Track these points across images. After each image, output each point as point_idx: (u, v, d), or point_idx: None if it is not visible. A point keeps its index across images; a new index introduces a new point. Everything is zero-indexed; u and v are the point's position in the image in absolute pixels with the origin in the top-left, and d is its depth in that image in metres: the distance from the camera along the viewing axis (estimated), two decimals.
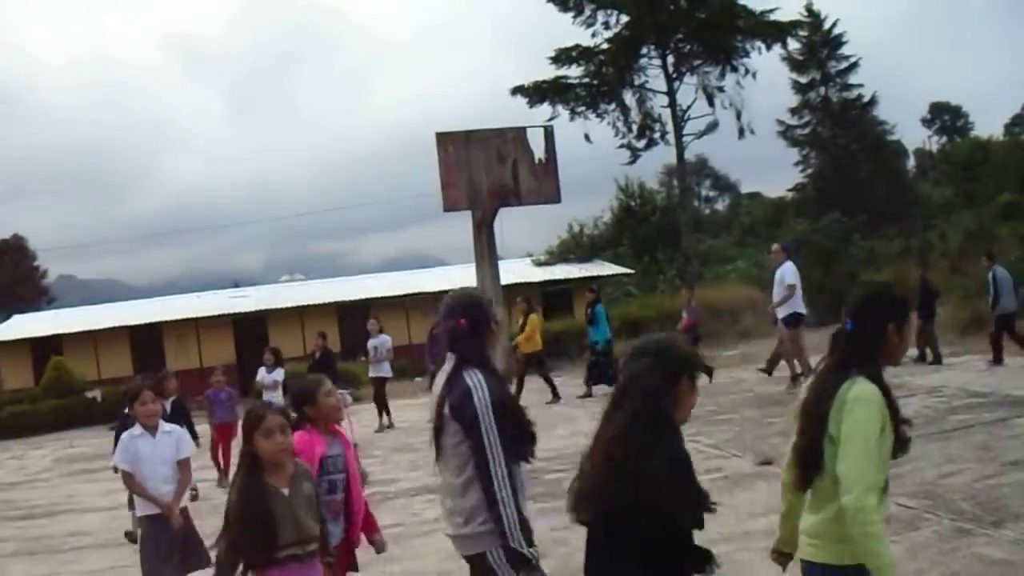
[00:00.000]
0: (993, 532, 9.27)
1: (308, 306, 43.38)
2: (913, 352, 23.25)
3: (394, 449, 17.20)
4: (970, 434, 14.10)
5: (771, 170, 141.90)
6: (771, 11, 53.46)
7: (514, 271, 42.09)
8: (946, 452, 12.88)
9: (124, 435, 8.88)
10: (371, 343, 24.38)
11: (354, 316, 40.50)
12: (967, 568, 8.38)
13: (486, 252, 30.21)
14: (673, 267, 53.30)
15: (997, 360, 21.91)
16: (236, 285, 67.17)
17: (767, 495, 10.54)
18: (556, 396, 24.83)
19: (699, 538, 4.48)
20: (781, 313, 21.76)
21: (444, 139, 28.91)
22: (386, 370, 24.51)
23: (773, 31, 55.10)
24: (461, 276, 46.03)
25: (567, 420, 20.07)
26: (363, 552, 7.44)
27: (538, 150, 29.56)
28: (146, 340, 42.90)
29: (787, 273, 21.25)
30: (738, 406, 19.61)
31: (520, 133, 30.05)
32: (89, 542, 12.47)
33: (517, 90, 52.83)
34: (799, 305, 21.51)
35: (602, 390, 23.29)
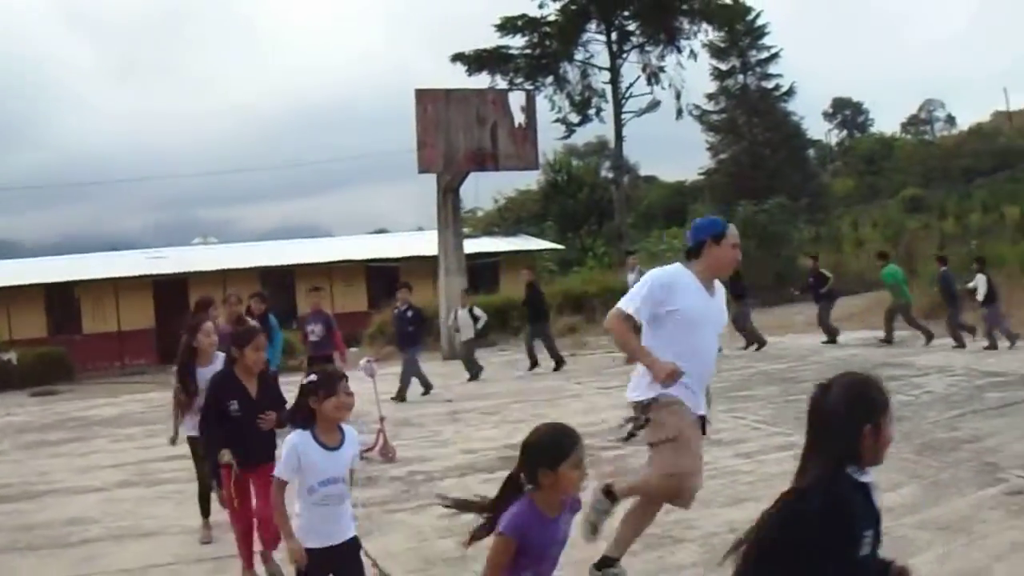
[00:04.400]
0: None
1: (231, 270, 41.43)
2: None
3: (399, 423, 16.33)
4: (1022, 411, 14.04)
5: (671, 154, 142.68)
6: None
7: (433, 240, 41.43)
8: (1017, 427, 12.78)
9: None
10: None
11: (277, 281, 39.44)
12: None
13: (450, 219, 29.56)
14: (599, 244, 53.12)
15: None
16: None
17: None
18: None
19: None
20: None
21: (424, 96, 28.12)
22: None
23: (725, 14, 55.38)
24: (387, 244, 45.32)
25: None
26: None
27: (518, 115, 28.93)
28: (61, 300, 41.25)
29: None
30: (749, 384, 19.26)
31: (501, 95, 29.53)
32: (100, 532, 10.99)
33: (457, 57, 52.68)
34: None
35: None
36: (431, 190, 30.06)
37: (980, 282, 22.83)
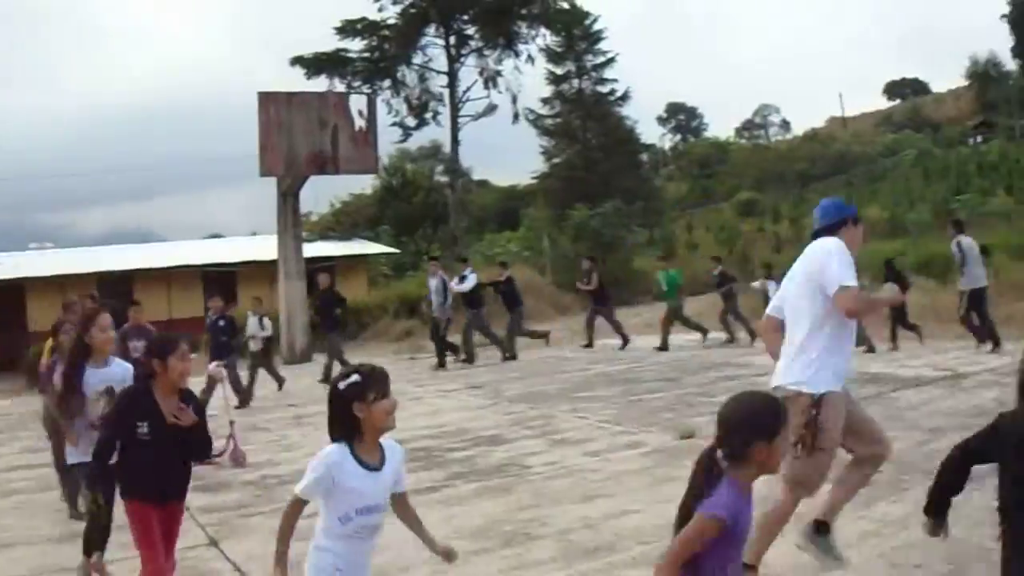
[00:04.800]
0: (977, 488, 9.01)
1: (68, 275, 40.39)
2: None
3: (247, 429, 16.23)
4: (863, 406, 14.30)
5: (504, 158, 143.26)
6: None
7: (271, 245, 41.17)
8: None
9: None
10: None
11: (114, 287, 38.82)
12: (987, 517, 8.36)
13: (290, 223, 29.48)
14: (435, 248, 53.32)
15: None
16: None
17: None
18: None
19: None
20: None
21: (267, 100, 28.04)
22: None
23: (564, 19, 55.96)
24: (224, 249, 44.93)
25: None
26: None
27: (358, 118, 28.98)
28: None
29: None
30: (591, 384, 19.64)
31: (342, 99, 29.59)
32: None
33: (296, 60, 52.28)
34: None
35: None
36: (266, 194, 30.01)
37: (766, 285, 24.21)
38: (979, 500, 8.86)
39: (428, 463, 12.47)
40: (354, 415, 4.91)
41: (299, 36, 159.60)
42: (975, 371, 17.61)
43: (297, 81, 52.23)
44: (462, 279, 25.20)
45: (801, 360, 7.10)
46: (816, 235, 7.59)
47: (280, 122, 27.82)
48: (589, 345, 26.49)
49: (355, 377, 4.95)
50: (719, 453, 4.32)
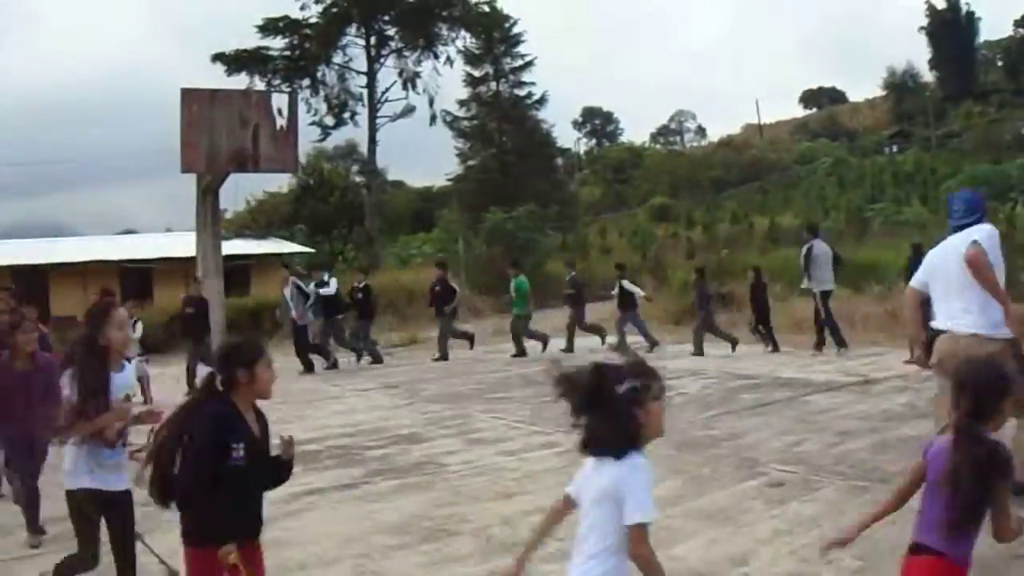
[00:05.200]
0: (887, 488, 9.62)
1: None
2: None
3: None
4: (776, 410, 15.02)
5: (419, 159, 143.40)
6: (485, 3, 54.87)
7: (188, 242, 40.94)
8: (772, 426, 13.63)
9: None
10: None
11: (28, 282, 38.41)
12: (895, 515, 8.60)
13: (209, 220, 29.29)
14: (350, 248, 53.31)
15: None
16: None
17: None
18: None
19: None
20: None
21: (189, 96, 27.84)
22: None
23: (484, 22, 56.20)
24: (140, 244, 44.69)
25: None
26: None
27: (280, 117, 28.93)
28: None
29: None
30: (506, 386, 19.89)
31: (264, 97, 29.42)
32: None
33: (217, 57, 52.21)
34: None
35: None
36: (181, 190, 29.96)
37: (626, 287, 25.02)
38: (889, 498, 9.22)
39: (346, 461, 12.58)
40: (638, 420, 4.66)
41: (215, 31, 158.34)
42: (886, 376, 17.97)
43: (211, 76, 52.12)
44: (322, 284, 25.48)
45: (986, 311, 8.25)
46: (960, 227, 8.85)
47: (202, 119, 27.69)
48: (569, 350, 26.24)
49: (635, 383, 4.75)
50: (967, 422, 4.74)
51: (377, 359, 25.82)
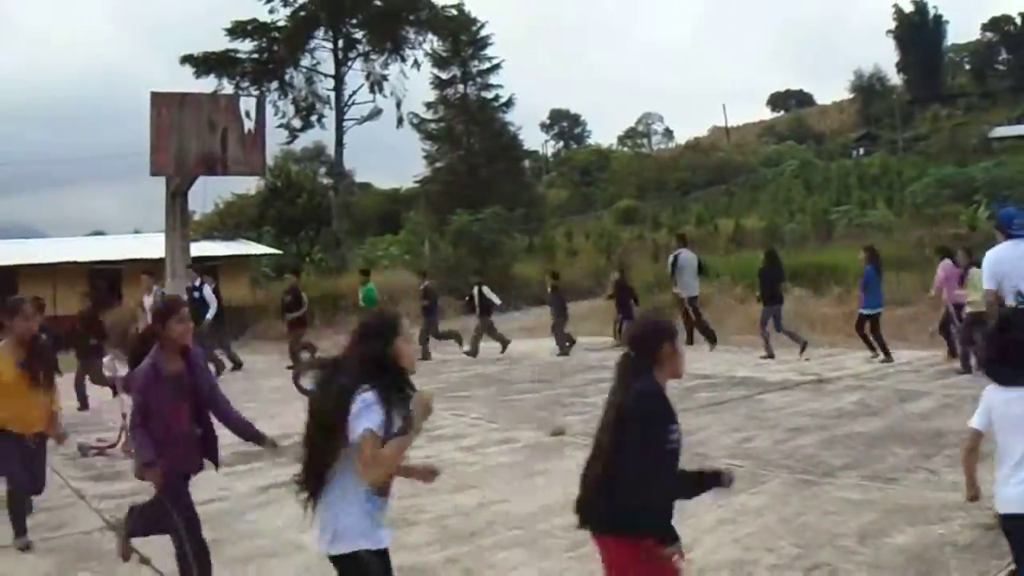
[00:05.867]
0: (833, 480, 10.36)
1: None
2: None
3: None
4: (729, 408, 15.41)
5: (386, 161, 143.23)
6: (453, 6, 55.26)
7: (157, 243, 40.93)
8: (724, 423, 14.06)
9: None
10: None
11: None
12: (838, 507, 9.36)
13: (178, 222, 29.60)
14: (317, 250, 53.46)
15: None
16: None
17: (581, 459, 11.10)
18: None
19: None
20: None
21: (159, 100, 28.18)
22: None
23: (451, 25, 56.54)
24: (109, 246, 44.74)
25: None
26: None
27: (248, 120, 29.19)
28: None
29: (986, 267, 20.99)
30: (468, 385, 20.22)
31: (233, 101, 29.74)
32: None
33: (186, 59, 52.19)
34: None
35: None
36: (149, 192, 30.18)
37: (483, 293, 25.51)
38: (832, 492, 9.65)
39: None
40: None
41: (184, 34, 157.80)
42: (839, 376, 18.36)
43: (179, 79, 52.13)
44: (196, 290, 24.15)
45: None
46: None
47: (171, 123, 27.94)
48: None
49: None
50: None
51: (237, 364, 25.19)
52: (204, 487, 8.97)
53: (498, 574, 7.81)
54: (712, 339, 23.88)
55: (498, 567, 7.97)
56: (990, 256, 10.32)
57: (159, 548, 8.58)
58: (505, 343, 25.52)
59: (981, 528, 8.01)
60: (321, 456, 5.17)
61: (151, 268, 27.93)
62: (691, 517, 8.77)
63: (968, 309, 17.73)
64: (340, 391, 5.06)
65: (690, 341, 23.80)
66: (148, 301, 22.72)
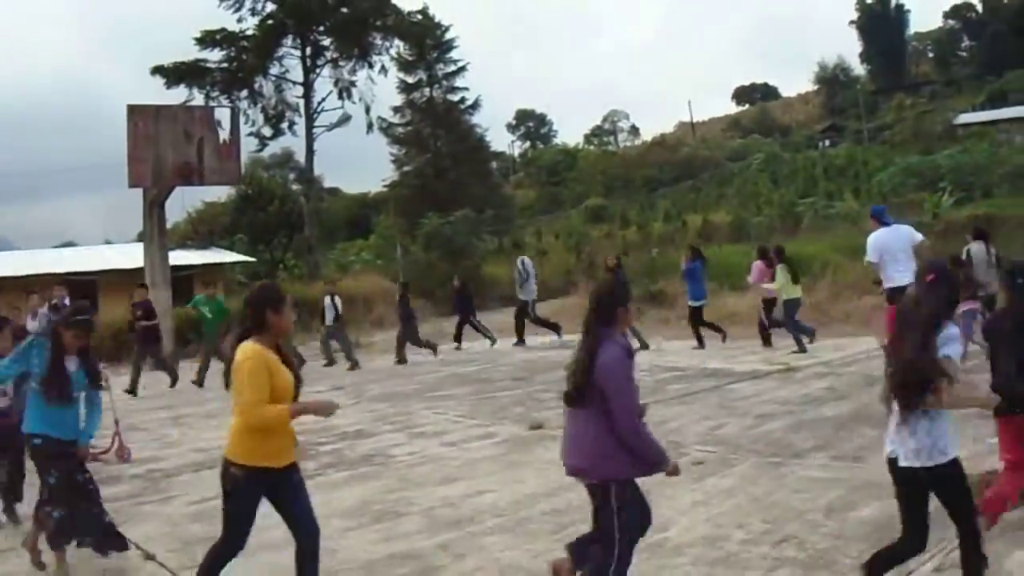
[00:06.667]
0: (800, 462, 10.91)
1: None
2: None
3: (127, 428, 16.59)
4: (701, 398, 15.99)
5: (354, 166, 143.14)
6: (418, 11, 55.84)
7: (134, 254, 40.97)
8: (696, 412, 14.62)
9: None
10: None
11: None
12: (806, 486, 9.85)
13: (156, 233, 29.88)
14: (290, 257, 53.69)
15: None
16: None
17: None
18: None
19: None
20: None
21: (135, 112, 28.51)
22: None
23: (417, 30, 56.95)
24: (85, 257, 44.89)
25: None
26: None
27: (223, 131, 29.54)
28: None
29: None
30: (445, 384, 20.59)
31: (208, 112, 30.08)
32: None
33: (157, 70, 52.19)
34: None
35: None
36: (118, 203, 30.42)
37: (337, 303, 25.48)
38: (800, 472, 10.16)
39: (299, 456, 13.33)
40: None
41: (149, 44, 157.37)
42: (808, 364, 18.83)
43: (148, 89, 52.15)
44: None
45: None
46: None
47: (148, 134, 28.26)
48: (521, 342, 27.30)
49: None
50: None
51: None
52: (204, 486, 9.38)
53: (488, 556, 8.22)
54: (521, 341, 26.87)
55: (488, 550, 8.39)
56: (872, 238, 15.25)
57: (162, 545, 9.06)
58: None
59: None
60: None
61: (122, 279, 28.10)
62: (667, 500, 9.27)
63: (782, 297, 21.14)
64: None
65: (520, 340, 26.82)
66: (32, 325, 20.00)
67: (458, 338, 27.81)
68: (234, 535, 6.65)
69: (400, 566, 8.21)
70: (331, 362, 25.80)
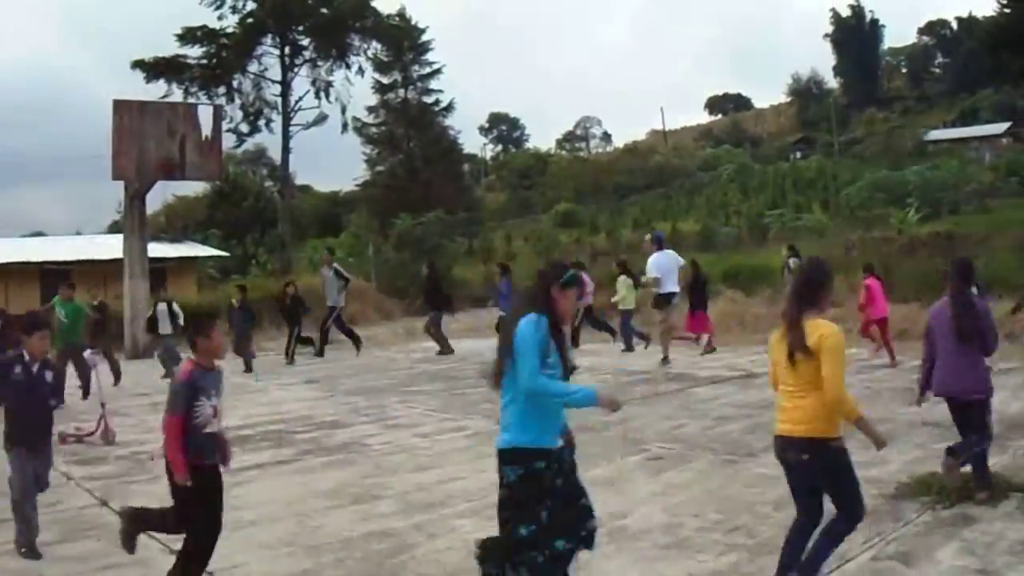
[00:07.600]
0: (753, 460, 11.46)
1: None
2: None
3: (109, 413, 16.99)
4: (664, 400, 16.61)
5: (326, 164, 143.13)
6: (396, 14, 56.28)
7: (109, 245, 41.27)
8: (658, 412, 15.21)
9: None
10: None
11: None
12: (757, 482, 10.44)
13: (136, 225, 30.25)
14: (263, 252, 54.04)
15: None
16: None
17: None
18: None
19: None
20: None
21: (121, 107, 28.93)
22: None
23: (395, 33, 57.39)
24: (60, 247, 45.18)
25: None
26: None
27: (206, 128, 29.96)
28: None
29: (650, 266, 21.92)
30: (417, 381, 21.26)
31: (191, 109, 30.45)
32: None
33: (137, 64, 52.50)
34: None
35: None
36: (89, 194, 30.69)
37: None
38: (753, 470, 10.81)
39: (279, 443, 13.89)
40: None
41: (123, 36, 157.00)
42: (766, 371, 19.39)
43: (126, 83, 52.22)
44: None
45: None
46: None
47: (132, 129, 28.66)
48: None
49: None
50: None
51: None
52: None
53: (458, 536, 8.76)
54: (321, 352, 27.71)
55: (458, 531, 8.95)
56: (653, 259, 20.97)
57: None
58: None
59: (886, 497, 9.26)
60: None
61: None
62: (627, 491, 9.89)
63: (621, 307, 24.90)
64: None
65: (321, 351, 27.74)
66: None
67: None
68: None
69: (378, 543, 8.73)
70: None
